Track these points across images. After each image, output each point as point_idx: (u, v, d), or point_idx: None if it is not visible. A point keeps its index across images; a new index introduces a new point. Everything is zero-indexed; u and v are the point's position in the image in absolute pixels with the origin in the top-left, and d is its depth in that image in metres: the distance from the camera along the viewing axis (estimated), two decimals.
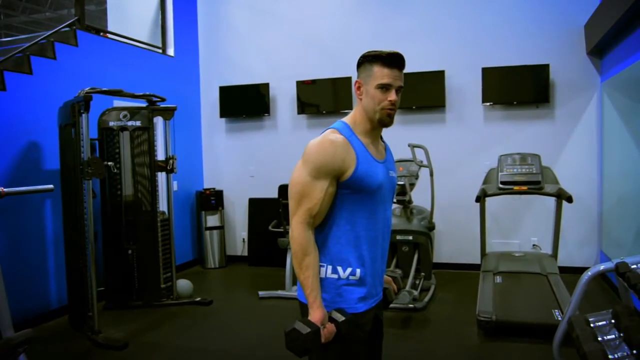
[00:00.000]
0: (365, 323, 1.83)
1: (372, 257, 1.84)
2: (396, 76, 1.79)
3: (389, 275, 2.11)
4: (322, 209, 1.75)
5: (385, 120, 1.83)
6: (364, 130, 1.84)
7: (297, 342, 1.62)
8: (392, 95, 1.79)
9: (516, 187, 4.96)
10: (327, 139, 1.77)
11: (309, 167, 1.74)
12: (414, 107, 6.19)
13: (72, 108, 4.27)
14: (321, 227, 1.80)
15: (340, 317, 1.70)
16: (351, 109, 6.30)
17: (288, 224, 5.46)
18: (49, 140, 4.76)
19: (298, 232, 1.73)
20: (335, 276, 1.79)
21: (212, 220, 6.91)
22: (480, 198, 5.04)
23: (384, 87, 1.78)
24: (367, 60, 1.80)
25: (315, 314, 1.71)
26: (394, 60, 1.78)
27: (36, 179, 4.53)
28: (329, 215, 1.79)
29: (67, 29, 5.04)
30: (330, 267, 1.79)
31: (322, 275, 1.79)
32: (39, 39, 4.75)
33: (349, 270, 1.79)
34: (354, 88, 1.89)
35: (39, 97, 4.75)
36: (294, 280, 5.41)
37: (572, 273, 5.15)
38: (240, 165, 7.12)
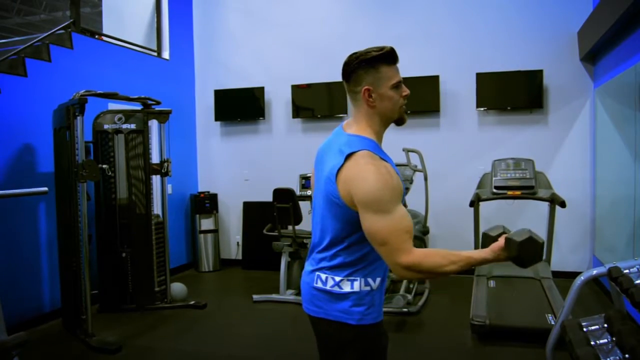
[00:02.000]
0: (384, 328, 1.86)
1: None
2: (399, 71, 1.76)
3: None
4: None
5: (404, 117, 1.81)
6: (378, 138, 1.78)
7: (539, 250, 1.69)
8: (406, 90, 1.77)
9: (510, 192, 4.99)
10: (379, 168, 1.63)
11: (391, 194, 1.62)
12: (408, 112, 6.15)
13: (67, 111, 4.26)
14: (353, 245, 1.75)
15: (504, 229, 1.80)
16: (346, 113, 6.33)
17: (283, 227, 5.49)
18: (44, 142, 4.75)
19: (419, 257, 1.61)
20: (368, 288, 1.75)
21: (206, 223, 6.90)
22: (474, 202, 5.06)
23: (397, 85, 1.75)
24: (369, 62, 1.71)
25: (499, 246, 1.72)
26: (394, 56, 1.75)
27: (30, 182, 4.52)
28: (360, 234, 1.70)
29: (62, 31, 5.02)
30: (363, 280, 1.75)
31: (356, 289, 1.74)
32: (33, 41, 4.73)
33: (378, 280, 1.78)
34: (355, 96, 1.80)
35: (33, 99, 4.73)
36: (288, 284, 5.42)
37: (565, 277, 5.18)
38: (235, 168, 7.12)
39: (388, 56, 1.73)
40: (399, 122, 1.82)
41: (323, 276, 1.78)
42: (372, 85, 1.72)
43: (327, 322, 1.79)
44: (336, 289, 1.75)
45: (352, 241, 1.74)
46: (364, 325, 1.74)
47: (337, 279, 1.75)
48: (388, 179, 1.63)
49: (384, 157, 1.71)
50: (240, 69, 7.04)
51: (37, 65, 4.71)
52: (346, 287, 1.74)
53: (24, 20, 10.91)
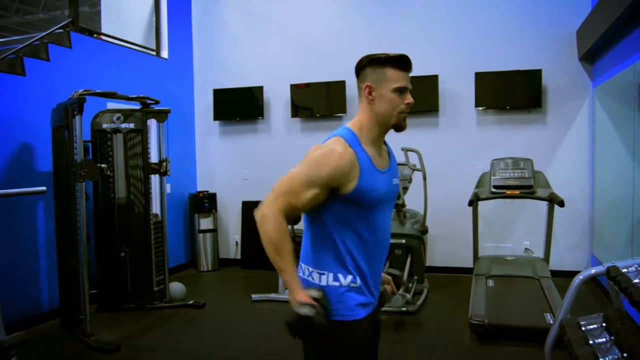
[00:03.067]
0: (365, 329, 1.83)
1: (371, 266, 1.83)
2: (408, 79, 1.79)
3: (388, 274, 2.09)
4: (302, 211, 1.77)
5: (402, 124, 1.82)
6: (370, 137, 1.80)
7: (310, 325, 1.64)
8: (409, 98, 1.78)
9: (509, 192, 4.99)
10: (335, 150, 1.71)
11: (309, 171, 1.71)
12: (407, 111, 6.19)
13: (65, 110, 4.26)
14: (322, 236, 1.79)
15: (318, 294, 1.74)
16: (345, 112, 6.33)
17: None
18: (42, 142, 4.74)
19: (278, 220, 1.70)
20: (337, 284, 1.77)
21: (205, 223, 6.89)
22: (473, 202, 5.07)
23: (400, 91, 1.76)
24: (377, 63, 1.75)
25: (301, 296, 1.71)
26: (406, 63, 1.77)
27: (29, 181, 4.51)
28: (330, 224, 1.77)
29: (60, 30, 5.01)
30: (331, 275, 1.78)
31: (324, 283, 1.78)
32: (32, 40, 4.72)
33: (349, 277, 1.78)
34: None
35: (32, 98, 4.73)
36: None
37: (563, 277, 5.18)
38: (234, 168, 7.12)
39: (397, 60, 1.76)
40: (397, 128, 1.83)
41: (303, 265, 1.86)
42: (375, 84, 1.77)
43: None
44: (309, 279, 1.81)
45: (315, 231, 1.82)
46: (332, 321, 1.74)
47: (310, 269, 1.83)
48: (334, 158, 1.69)
49: (356, 149, 1.74)
50: (239, 69, 7.03)
51: (36, 64, 4.70)
52: (316, 280, 1.80)
53: (23, 19, 10.89)
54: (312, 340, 1.79)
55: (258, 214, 1.73)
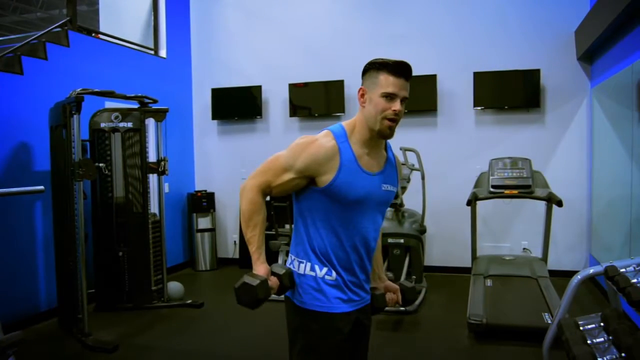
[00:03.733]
0: (343, 325, 1.82)
1: (347, 265, 1.83)
2: (402, 86, 1.75)
3: (400, 284, 2.10)
4: (279, 191, 1.84)
5: (385, 132, 1.78)
6: (361, 138, 1.81)
7: (249, 294, 1.70)
8: (397, 105, 1.74)
9: (507, 191, 4.99)
10: (317, 141, 1.77)
11: (289, 157, 1.78)
12: (406, 111, 6.17)
13: (63, 109, 4.25)
14: (304, 226, 1.85)
15: (281, 270, 1.81)
16: (343, 112, 6.34)
17: (280, 226, 5.48)
18: (40, 141, 4.73)
19: (253, 193, 1.82)
20: (313, 274, 1.82)
21: (203, 222, 6.89)
22: (472, 202, 5.07)
23: (389, 96, 1.73)
24: (374, 67, 1.77)
25: (260, 269, 1.79)
26: (400, 69, 1.74)
27: (26, 180, 4.50)
28: (309, 215, 1.83)
29: (58, 29, 5.01)
30: (309, 265, 1.83)
31: (302, 271, 1.83)
32: (30, 39, 4.72)
33: (325, 269, 1.81)
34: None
35: (29, 97, 4.72)
36: None
37: (561, 276, 5.19)
38: (232, 167, 7.11)
39: (391, 66, 1.75)
40: (380, 134, 1.80)
41: (290, 255, 1.93)
42: (368, 88, 1.80)
43: (286, 298, 1.91)
44: (292, 267, 1.88)
45: (299, 221, 1.88)
46: (308, 311, 1.80)
47: (292, 257, 1.90)
48: (313, 149, 1.76)
49: (341, 144, 1.78)
50: (238, 68, 7.03)
51: (34, 63, 4.70)
52: (296, 267, 1.86)
53: (21, 18, 10.86)
54: (300, 332, 1.83)
55: (241, 186, 1.86)
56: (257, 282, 1.69)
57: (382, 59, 1.77)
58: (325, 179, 1.74)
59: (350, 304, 1.84)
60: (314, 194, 1.79)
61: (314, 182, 1.78)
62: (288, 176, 1.78)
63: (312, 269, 1.82)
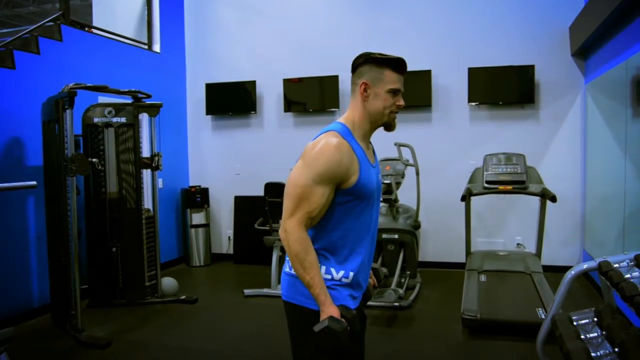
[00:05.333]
0: (356, 321, 1.83)
1: (364, 260, 1.85)
2: (402, 82, 1.84)
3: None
4: (320, 213, 1.75)
5: (392, 123, 1.87)
6: (361, 133, 1.83)
7: (332, 338, 1.65)
8: (401, 100, 1.84)
9: (501, 187, 5.00)
10: (332, 144, 1.71)
11: (313, 172, 1.70)
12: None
13: (56, 104, 4.21)
14: (319, 231, 1.80)
15: (349, 314, 1.74)
16: (338, 107, 6.32)
17: (274, 221, 5.47)
18: (32, 136, 4.70)
19: (298, 233, 1.71)
20: (329, 277, 1.79)
21: (197, 218, 6.87)
22: (466, 197, 5.07)
23: (394, 92, 1.81)
24: (376, 62, 1.79)
25: (333, 311, 1.71)
26: (402, 67, 1.82)
27: (19, 176, 4.47)
28: (329, 220, 1.78)
29: (51, 23, 4.97)
30: (324, 268, 1.79)
31: None
32: (22, 33, 4.68)
33: (342, 272, 1.80)
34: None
35: (22, 92, 4.68)
36: (280, 279, 5.40)
37: (555, 272, 5.21)
38: (226, 163, 7.09)
39: (395, 63, 1.80)
40: (387, 127, 1.89)
41: None
42: (372, 82, 1.80)
43: (291, 306, 1.85)
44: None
45: (314, 227, 1.81)
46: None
47: None
48: (334, 153, 1.70)
49: (351, 143, 1.77)
50: (232, 63, 7.00)
51: (26, 57, 4.66)
52: None
53: (13, 12, 10.77)
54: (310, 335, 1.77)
55: (281, 232, 1.75)
56: (341, 327, 1.66)
57: (381, 54, 1.80)
58: (353, 180, 1.74)
59: (357, 300, 1.87)
60: (338, 198, 1.76)
61: (339, 187, 1.75)
62: (323, 192, 1.71)
63: (328, 271, 1.79)
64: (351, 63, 1.85)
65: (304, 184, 1.70)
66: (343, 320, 1.69)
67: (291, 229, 1.71)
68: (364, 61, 1.80)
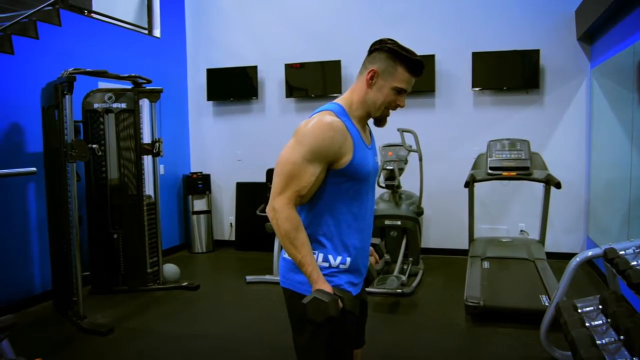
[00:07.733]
0: (354, 308, 1.81)
1: (362, 245, 1.83)
2: (412, 84, 1.77)
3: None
4: (309, 192, 1.71)
5: (383, 121, 1.82)
6: (358, 115, 1.79)
7: (320, 310, 1.63)
8: (402, 101, 1.78)
9: (505, 173, 4.97)
10: (325, 121, 1.67)
11: (304, 150, 1.66)
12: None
13: (55, 89, 4.18)
14: (313, 215, 1.77)
15: (343, 293, 1.72)
16: (340, 93, 6.25)
17: None
18: (32, 122, 4.66)
19: (287, 211, 1.67)
20: (327, 264, 1.76)
21: (199, 204, 6.85)
22: (469, 183, 5.04)
23: (400, 92, 1.75)
24: (394, 54, 1.70)
25: (325, 287, 1.68)
26: (419, 69, 1.74)
27: (19, 162, 4.44)
28: (322, 203, 1.75)
29: (50, 7, 4.91)
30: (321, 255, 1.76)
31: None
32: (20, 17, 4.63)
33: (339, 258, 1.77)
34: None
35: (21, 77, 4.63)
36: None
37: (558, 259, 5.19)
38: (228, 149, 7.05)
39: (412, 63, 1.73)
40: (377, 122, 1.84)
41: None
42: (381, 73, 1.73)
43: (290, 293, 1.82)
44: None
45: (308, 211, 1.78)
46: None
47: None
48: (326, 130, 1.66)
49: (346, 122, 1.73)
50: (233, 48, 6.93)
51: (25, 42, 4.61)
52: None
53: None
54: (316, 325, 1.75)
55: (269, 210, 1.72)
56: (329, 298, 1.63)
57: (402, 47, 1.72)
58: (346, 160, 1.70)
59: (357, 286, 1.84)
60: (331, 179, 1.72)
61: (331, 166, 1.70)
62: (313, 171, 1.66)
63: (326, 259, 1.76)
64: (370, 44, 1.78)
65: (295, 162, 1.66)
66: (334, 295, 1.66)
67: (280, 207, 1.68)
68: (381, 47, 1.73)
